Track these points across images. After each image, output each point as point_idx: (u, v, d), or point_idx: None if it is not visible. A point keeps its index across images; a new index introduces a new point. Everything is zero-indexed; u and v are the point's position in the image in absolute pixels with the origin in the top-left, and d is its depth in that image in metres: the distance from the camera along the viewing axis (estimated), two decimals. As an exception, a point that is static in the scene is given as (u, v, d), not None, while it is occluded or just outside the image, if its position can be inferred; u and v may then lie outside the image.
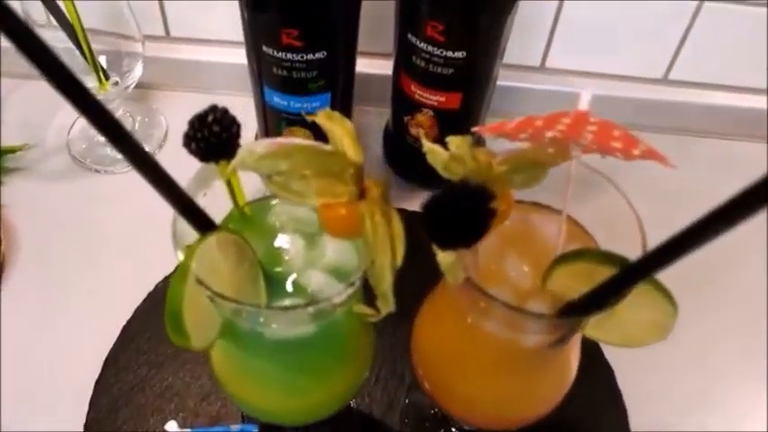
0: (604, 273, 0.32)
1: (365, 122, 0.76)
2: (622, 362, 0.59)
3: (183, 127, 0.33)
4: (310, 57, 0.56)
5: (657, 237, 0.29)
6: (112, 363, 0.57)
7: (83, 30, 0.63)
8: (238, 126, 0.34)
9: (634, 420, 0.56)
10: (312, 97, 0.60)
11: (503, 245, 0.39)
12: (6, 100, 0.78)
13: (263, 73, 0.60)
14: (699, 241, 0.25)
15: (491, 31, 0.57)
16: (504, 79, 0.69)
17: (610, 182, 0.37)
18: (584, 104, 0.33)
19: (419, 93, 0.62)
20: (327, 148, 0.32)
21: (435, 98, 0.62)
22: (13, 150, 0.72)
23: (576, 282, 0.34)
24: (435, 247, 0.31)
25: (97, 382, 0.56)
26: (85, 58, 0.65)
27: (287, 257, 0.38)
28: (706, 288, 0.64)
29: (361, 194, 0.33)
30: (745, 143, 0.80)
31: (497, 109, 0.69)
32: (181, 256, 0.33)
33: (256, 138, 0.69)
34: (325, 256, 0.38)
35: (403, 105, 0.65)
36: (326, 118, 0.33)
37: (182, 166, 0.34)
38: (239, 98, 0.66)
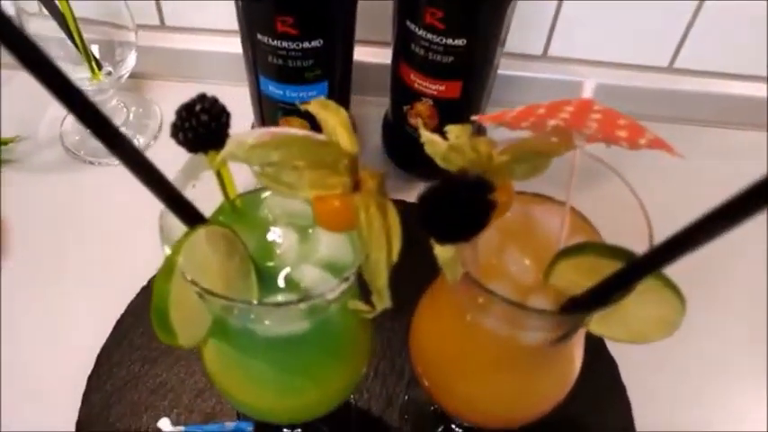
0: (609, 267, 0.31)
1: (364, 113, 0.75)
2: (627, 356, 0.58)
3: (179, 117, 0.32)
4: (306, 45, 0.55)
5: (664, 229, 0.28)
6: (105, 358, 0.56)
7: (74, 19, 0.62)
8: (228, 115, 0.32)
9: (639, 416, 0.55)
10: (309, 87, 0.59)
11: (503, 238, 0.38)
12: (-2, 92, 0.77)
13: (258, 62, 0.58)
14: (710, 234, 0.24)
15: (492, 18, 0.56)
16: (505, 68, 0.68)
17: (615, 172, 0.36)
18: (587, 93, 0.33)
19: (418, 82, 0.61)
20: (321, 137, 0.31)
21: (435, 87, 0.60)
22: (5, 142, 0.71)
23: (579, 276, 0.32)
24: (433, 242, 0.30)
25: (90, 378, 0.55)
26: (77, 47, 0.64)
27: (279, 252, 0.37)
28: (711, 281, 0.63)
29: (356, 186, 0.31)
30: (753, 132, 0.79)
31: (498, 99, 0.68)
32: (168, 252, 0.32)
33: (252, 128, 0.68)
34: (318, 251, 0.37)
35: (402, 95, 0.64)
36: (320, 107, 0.32)
37: (178, 157, 0.33)
38: (235, 88, 0.65)
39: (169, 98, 0.75)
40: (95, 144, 0.72)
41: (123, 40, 0.68)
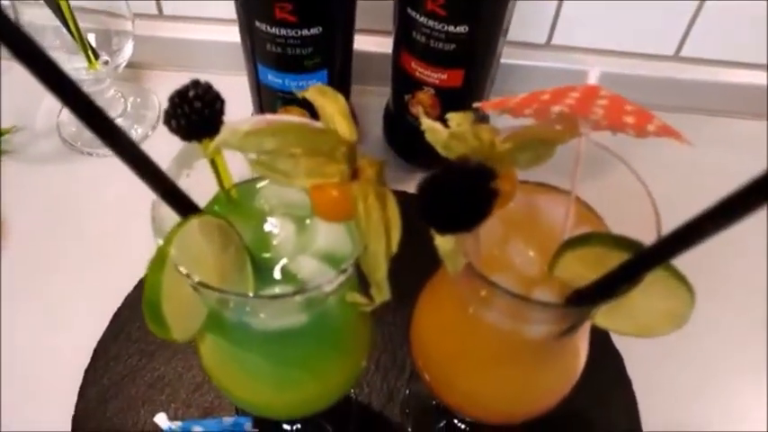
0: (616, 258, 0.30)
1: (365, 102, 0.74)
2: (632, 348, 0.57)
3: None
4: (305, 32, 0.54)
5: (671, 220, 0.27)
6: (102, 352, 0.55)
7: (70, 8, 0.61)
8: (222, 102, 0.31)
9: (644, 410, 0.55)
10: (308, 75, 0.58)
11: (506, 229, 0.37)
12: (-6, 82, 0.76)
13: (256, 50, 0.57)
14: (722, 223, 0.23)
15: (494, 4, 0.55)
16: (508, 57, 0.67)
17: (621, 160, 0.35)
18: (593, 81, 0.32)
19: (420, 70, 0.59)
20: (318, 125, 0.30)
21: (436, 75, 0.59)
22: (2, 133, 0.70)
23: (585, 268, 0.31)
24: (433, 232, 0.29)
25: (86, 372, 0.54)
26: (73, 36, 0.63)
27: (276, 243, 0.36)
28: (717, 272, 0.62)
29: (355, 175, 0.30)
30: (760, 122, 0.77)
31: (501, 88, 0.67)
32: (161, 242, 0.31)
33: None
34: (316, 242, 0.36)
35: (403, 84, 0.63)
36: (318, 93, 0.31)
37: (177, 147, 0.32)
38: (234, 77, 0.64)
39: (167, 88, 0.71)
40: (92, 135, 0.71)
41: (120, 29, 0.67)
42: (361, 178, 0.30)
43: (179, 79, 0.31)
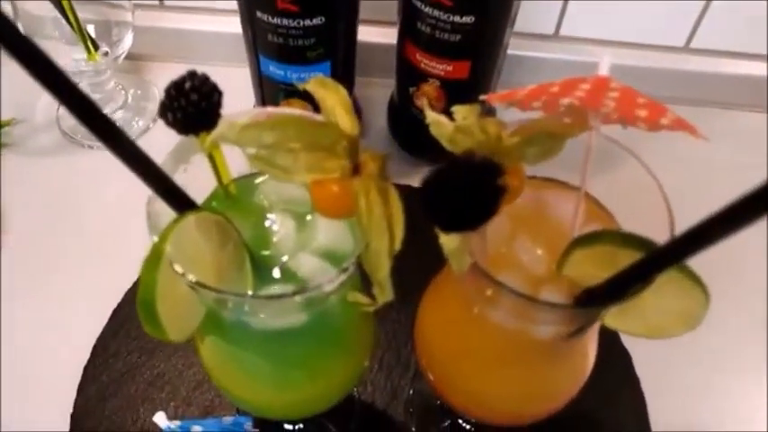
0: (627, 257, 0.29)
1: (369, 94, 0.73)
2: (640, 348, 0.56)
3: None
4: (307, 23, 0.53)
5: (684, 217, 0.26)
6: (101, 349, 0.55)
7: (68, -3, 0.60)
8: (219, 94, 0.30)
9: (653, 409, 0.54)
10: (311, 67, 0.57)
11: (514, 226, 0.36)
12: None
13: (257, 41, 0.56)
14: (743, 221, 0.22)
15: (501, -6, 0.53)
16: (515, 48, 0.66)
17: (632, 154, 0.33)
18: (604, 71, 0.30)
19: (425, 62, 0.58)
20: (318, 118, 0.29)
21: (442, 67, 0.58)
22: (1, 125, 0.69)
23: (595, 267, 0.30)
24: (438, 230, 0.28)
25: (85, 369, 0.54)
26: (72, 27, 0.62)
27: (276, 240, 0.35)
28: (727, 272, 0.60)
29: (356, 170, 0.29)
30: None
31: (508, 80, 0.65)
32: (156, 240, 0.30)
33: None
34: (317, 239, 0.35)
35: (408, 75, 0.62)
36: (318, 85, 0.30)
37: (178, 139, 0.31)
38: (236, 69, 0.63)
39: (168, 80, 0.71)
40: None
41: (120, 20, 0.66)
42: (362, 173, 0.29)
43: (180, 71, 0.30)
